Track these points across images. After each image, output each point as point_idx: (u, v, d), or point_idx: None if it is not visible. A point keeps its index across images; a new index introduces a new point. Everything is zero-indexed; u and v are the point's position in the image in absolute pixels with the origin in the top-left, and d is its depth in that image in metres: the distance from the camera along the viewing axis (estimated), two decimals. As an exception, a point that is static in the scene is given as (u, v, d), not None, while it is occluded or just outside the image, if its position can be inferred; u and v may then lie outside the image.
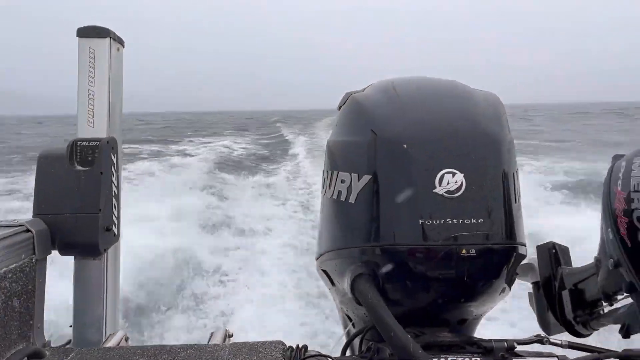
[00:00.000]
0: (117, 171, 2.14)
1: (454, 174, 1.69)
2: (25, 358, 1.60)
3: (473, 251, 1.67)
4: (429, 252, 1.69)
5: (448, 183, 1.69)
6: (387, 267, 1.78)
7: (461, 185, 1.69)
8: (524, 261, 2.22)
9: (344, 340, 2.41)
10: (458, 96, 1.93)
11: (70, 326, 2.07)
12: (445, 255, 1.68)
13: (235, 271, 7.04)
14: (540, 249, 2.39)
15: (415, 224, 1.69)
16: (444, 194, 1.68)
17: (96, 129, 2.11)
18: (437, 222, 1.68)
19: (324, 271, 2.25)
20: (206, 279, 6.83)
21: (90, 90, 2.09)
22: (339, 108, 2.27)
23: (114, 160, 2.12)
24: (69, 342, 2.04)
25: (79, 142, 2.02)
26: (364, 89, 2.10)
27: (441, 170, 1.70)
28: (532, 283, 2.51)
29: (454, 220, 1.68)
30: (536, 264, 2.43)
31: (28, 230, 1.81)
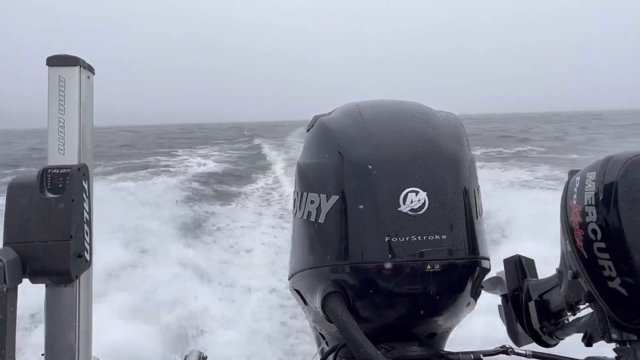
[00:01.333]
0: (88, 197, 2.15)
1: (417, 193, 1.76)
2: None
3: (437, 266, 1.74)
4: (396, 268, 1.75)
5: (412, 201, 1.76)
6: (356, 285, 1.84)
7: (424, 203, 1.76)
8: (492, 274, 2.30)
9: (318, 358, 2.44)
10: (420, 118, 2.02)
11: (42, 354, 2.06)
12: (412, 271, 1.74)
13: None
14: (507, 262, 2.48)
15: (382, 241, 1.75)
16: (409, 212, 1.75)
17: (67, 156, 2.12)
18: (403, 239, 1.74)
19: (297, 291, 2.29)
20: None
21: (60, 118, 2.11)
22: (308, 130, 2.34)
23: (86, 187, 2.13)
24: None
25: (49, 170, 2.03)
26: (331, 113, 2.18)
27: (405, 189, 1.77)
28: (501, 295, 2.60)
29: (419, 237, 1.74)
30: (504, 277, 2.51)
31: None
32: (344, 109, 2.15)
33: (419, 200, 1.76)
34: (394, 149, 1.87)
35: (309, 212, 2.01)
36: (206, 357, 2.19)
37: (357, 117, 2.05)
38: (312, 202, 2.00)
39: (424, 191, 1.77)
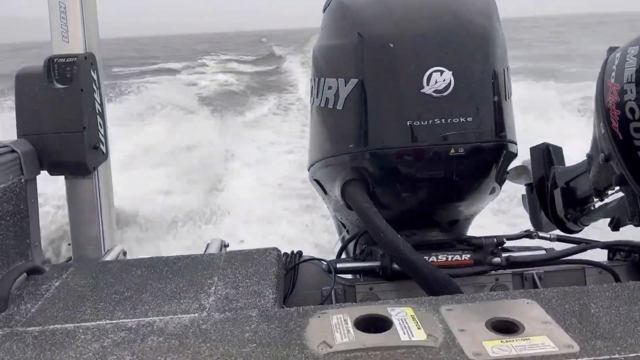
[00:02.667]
0: (98, 88, 2.09)
1: (442, 72, 1.65)
2: (25, 273, 1.64)
3: (462, 150, 1.66)
4: (418, 153, 1.68)
5: (436, 82, 1.64)
6: (376, 172, 1.78)
7: (449, 83, 1.65)
8: (517, 163, 2.23)
9: (339, 246, 2.47)
10: None
11: (69, 244, 2.11)
12: (434, 155, 1.67)
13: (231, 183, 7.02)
14: (534, 149, 2.39)
15: (404, 125, 1.67)
16: (432, 93, 1.65)
17: (72, 45, 2.02)
18: (426, 122, 1.65)
19: (316, 180, 2.26)
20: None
21: (61, 3, 1.99)
22: (324, 10, 2.18)
23: (94, 77, 2.06)
24: (69, 260, 2.09)
25: (55, 59, 1.95)
26: None
27: (429, 68, 1.65)
28: (525, 185, 2.54)
29: (443, 120, 1.65)
30: (529, 166, 2.44)
31: (13, 151, 1.79)
32: None
33: (443, 81, 1.64)
34: (417, 24, 1.73)
35: (327, 99, 1.92)
36: (228, 245, 2.22)
37: None
38: (329, 87, 1.90)
39: (450, 70, 1.64)
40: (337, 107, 1.85)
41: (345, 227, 2.39)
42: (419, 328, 1.23)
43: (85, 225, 2.09)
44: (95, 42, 2.12)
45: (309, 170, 2.37)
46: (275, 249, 1.81)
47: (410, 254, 1.57)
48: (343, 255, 2.22)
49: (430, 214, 1.94)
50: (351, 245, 2.28)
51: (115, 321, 1.37)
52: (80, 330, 1.33)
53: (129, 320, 1.38)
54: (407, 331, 1.22)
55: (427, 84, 1.64)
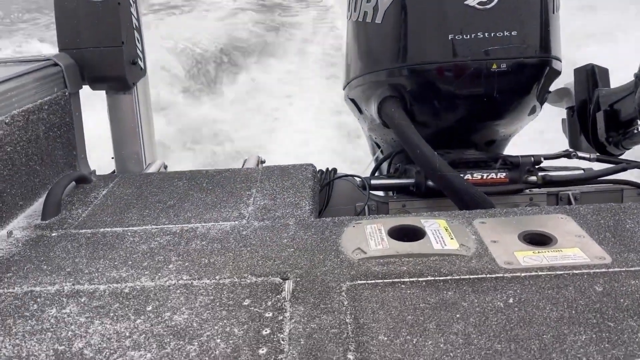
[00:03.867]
0: (135, 2, 2.08)
1: None
2: (74, 182, 1.72)
3: (504, 66, 1.61)
4: (458, 68, 1.64)
5: None
6: (414, 88, 1.76)
7: None
8: (559, 85, 2.15)
9: (373, 165, 2.49)
10: None
11: (112, 158, 2.19)
12: (475, 71, 1.63)
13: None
14: (578, 71, 2.30)
15: (445, 39, 1.62)
16: (476, 5, 1.58)
17: None
18: (468, 36, 1.60)
19: (352, 100, 2.25)
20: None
21: None
22: None
23: None
24: (113, 172, 2.17)
25: None
26: None
27: None
28: (566, 108, 2.46)
29: (485, 34, 1.60)
30: (572, 88, 2.35)
31: (56, 64, 1.83)
32: None
33: None
34: None
35: (365, 13, 1.87)
36: (264, 161, 2.26)
37: None
38: (368, 0, 1.85)
39: None
40: (376, 21, 1.81)
41: (379, 147, 2.39)
42: (451, 238, 1.26)
43: (127, 140, 2.15)
44: None
45: (344, 89, 2.35)
46: (311, 165, 1.84)
47: (446, 171, 1.58)
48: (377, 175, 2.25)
49: (467, 133, 1.93)
50: (384, 166, 2.29)
51: (160, 226, 1.45)
52: (129, 234, 1.41)
53: (173, 225, 1.45)
54: (439, 240, 1.25)
55: None
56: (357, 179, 1.92)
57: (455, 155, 1.80)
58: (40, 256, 1.31)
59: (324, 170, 1.95)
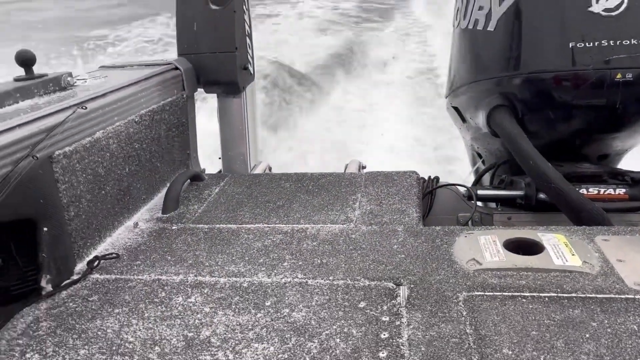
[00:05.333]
0: (247, 10, 2.17)
1: None
2: (189, 180, 1.83)
3: (630, 75, 1.53)
4: (578, 78, 1.57)
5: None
6: (527, 97, 1.71)
7: (622, 1, 1.50)
8: None
9: (472, 176, 2.43)
10: None
11: (219, 158, 2.30)
12: (597, 80, 1.55)
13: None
14: None
15: (564, 47, 1.56)
16: (601, 12, 1.51)
17: None
18: (590, 44, 1.53)
19: (455, 108, 2.21)
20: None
21: None
22: None
23: None
24: (219, 172, 2.28)
25: None
26: None
27: None
28: None
29: (611, 42, 1.52)
30: None
31: (176, 68, 1.95)
32: None
33: None
34: None
35: (476, 20, 1.83)
36: (365, 166, 2.28)
37: None
38: (480, 8, 1.81)
39: None
40: (488, 29, 1.77)
41: (480, 157, 2.34)
42: (573, 254, 1.21)
43: (234, 141, 2.25)
44: None
45: (446, 97, 2.32)
46: (415, 172, 1.83)
47: (561, 184, 1.52)
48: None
49: (581, 145, 1.84)
50: (486, 177, 2.23)
51: (272, 225, 1.50)
52: (243, 230, 1.48)
53: (284, 225, 1.50)
54: (560, 256, 1.20)
55: (596, 2, 1.51)
56: (462, 189, 1.88)
57: (568, 168, 1.72)
58: (164, 247, 1.40)
59: (427, 178, 1.93)
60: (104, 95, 1.50)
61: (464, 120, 2.17)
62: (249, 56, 2.18)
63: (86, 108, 1.35)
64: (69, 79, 1.55)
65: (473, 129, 2.11)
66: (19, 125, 1.17)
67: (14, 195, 1.08)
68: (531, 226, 1.53)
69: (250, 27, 2.18)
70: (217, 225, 1.52)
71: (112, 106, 1.51)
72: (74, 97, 1.42)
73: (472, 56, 1.93)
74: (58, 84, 1.51)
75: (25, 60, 1.45)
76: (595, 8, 1.51)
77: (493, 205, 1.97)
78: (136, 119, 1.63)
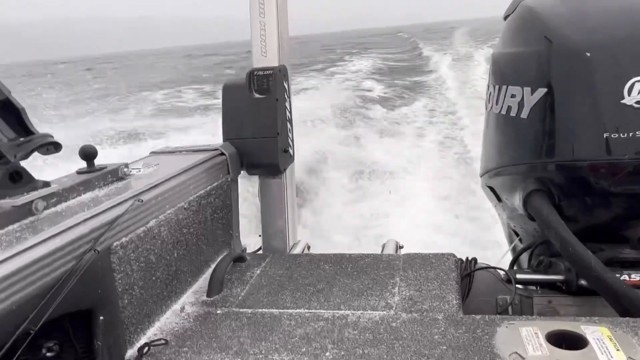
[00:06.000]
0: (289, 97, 2.31)
1: None
2: (232, 261, 1.90)
3: None
4: (614, 167, 1.60)
5: (639, 92, 1.55)
6: (563, 184, 1.74)
7: None
8: None
9: (510, 255, 2.42)
10: None
11: (260, 235, 2.37)
12: (634, 170, 1.58)
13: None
14: None
15: (599, 137, 1.60)
16: (634, 104, 1.56)
17: (269, 58, 2.26)
18: (625, 135, 1.57)
19: (490, 188, 2.25)
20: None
21: (261, 22, 2.23)
22: (505, 18, 2.15)
23: (286, 87, 2.28)
24: (259, 249, 2.35)
25: (255, 72, 2.21)
26: None
27: (631, 78, 1.56)
28: None
29: None
30: None
31: (222, 154, 2.07)
32: None
33: None
34: (617, 31, 1.64)
35: (509, 107, 1.90)
36: (402, 246, 2.31)
37: None
38: (512, 95, 1.88)
39: None
40: (521, 116, 1.83)
41: (518, 236, 2.34)
42: (617, 350, 1.19)
43: (274, 220, 2.33)
44: (287, 54, 2.34)
45: (481, 176, 2.36)
46: (452, 254, 1.85)
47: (602, 272, 1.52)
48: (515, 267, 2.19)
49: (621, 229, 1.83)
50: (524, 256, 2.23)
51: (313, 311, 1.54)
52: (285, 316, 1.51)
53: (325, 311, 1.53)
54: (605, 351, 1.19)
55: (629, 95, 1.56)
56: (501, 272, 1.89)
57: (610, 253, 1.72)
58: (210, 332, 1.45)
59: (464, 259, 1.94)
60: (157, 185, 1.61)
61: (499, 199, 2.20)
62: (289, 139, 2.29)
63: (142, 201, 1.45)
64: (125, 169, 1.67)
65: (509, 209, 2.14)
66: (83, 221, 1.27)
67: (75, 288, 1.16)
68: (574, 316, 1.52)
69: (290, 112, 2.31)
70: (260, 310, 1.56)
71: (165, 195, 1.61)
72: (130, 189, 1.52)
73: (506, 141, 1.99)
74: (116, 175, 1.63)
75: (88, 154, 1.58)
76: (628, 101, 1.56)
77: (532, 287, 1.96)
78: (185, 206, 1.72)
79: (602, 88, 1.60)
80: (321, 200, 6.64)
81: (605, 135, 1.59)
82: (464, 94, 12.30)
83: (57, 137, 1.37)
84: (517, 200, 1.93)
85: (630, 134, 1.56)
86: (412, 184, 6.79)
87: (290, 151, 2.32)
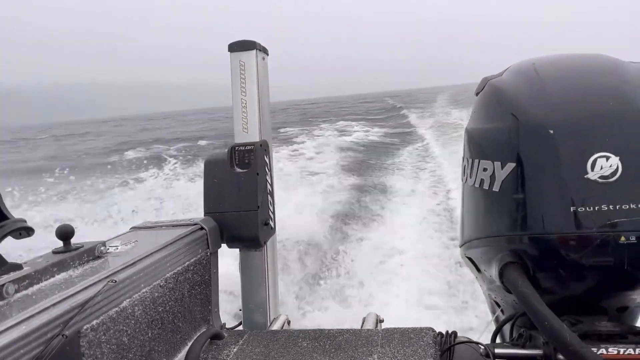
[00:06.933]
0: (270, 170, 2.36)
1: (608, 158, 1.61)
2: (209, 339, 1.87)
3: (633, 238, 1.58)
4: (583, 240, 1.63)
5: (602, 167, 1.61)
6: (537, 256, 1.76)
7: (617, 169, 1.60)
8: None
9: (493, 326, 2.40)
10: (607, 72, 1.81)
11: (240, 310, 2.35)
12: (602, 242, 1.61)
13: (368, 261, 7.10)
14: None
15: (567, 211, 1.64)
16: (598, 179, 1.61)
17: (250, 134, 2.34)
18: (591, 208, 1.61)
19: (469, 258, 2.26)
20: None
21: (243, 99, 2.32)
22: (477, 94, 2.25)
23: (267, 161, 2.34)
24: (239, 324, 2.32)
25: (236, 147, 2.27)
26: (502, 73, 2.06)
27: (593, 154, 1.62)
28: None
29: (610, 207, 1.60)
30: None
31: (202, 228, 2.09)
32: (517, 68, 2.02)
33: (610, 166, 1.60)
34: (578, 108, 1.72)
35: (482, 180, 1.95)
36: (383, 320, 2.29)
37: (532, 75, 1.91)
38: (484, 169, 1.94)
39: (617, 156, 1.60)
40: (494, 189, 1.88)
41: (499, 307, 2.33)
42: None
43: (254, 294, 2.32)
44: (268, 129, 2.42)
45: (461, 247, 2.38)
46: (431, 329, 1.84)
47: (578, 346, 1.51)
48: (498, 338, 2.17)
49: (597, 300, 1.84)
50: (506, 327, 2.21)
51: None
52: None
53: None
54: None
55: (592, 170, 1.61)
56: (480, 347, 1.87)
57: (586, 326, 1.71)
58: None
59: (444, 333, 1.93)
60: (133, 264, 1.61)
61: (479, 270, 2.21)
62: (270, 212, 2.32)
63: (116, 281, 1.45)
64: (102, 248, 1.68)
65: (488, 280, 2.14)
66: (53, 305, 1.26)
67: None
68: None
69: (272, 185, 2.35)
70: None
71: (140, 274, 1.62)
72: (105, 269, 1.53)
73: (481, 213, 2.02)
74: (92, 254, 1.63)
75: (64, 233, 1.59)
76: (591, 175, 1.61)
77: None
78: (161, 283, 1.72)
79: (566, 163, 1.65)
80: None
81: (572, 208, 1.63)
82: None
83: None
84: (494, 272, 1.94)
85: (596, 208, 1.60)
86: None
87: (272, 224, 2.34)
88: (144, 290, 1.61)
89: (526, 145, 1.77)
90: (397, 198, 10.46)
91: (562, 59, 1.99)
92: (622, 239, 1.58)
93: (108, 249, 1.73)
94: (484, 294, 2.55)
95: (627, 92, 1.73)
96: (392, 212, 9.30)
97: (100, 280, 1.44)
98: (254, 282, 2.32)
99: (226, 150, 2.27)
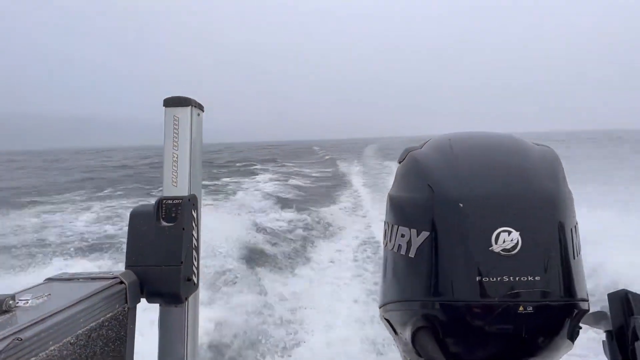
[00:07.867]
0: (197, 225, 2.36)
1: (509, 233, 1.75)
2: None
3: (530, 308, 1.71)
4: (487, 308, 1.74)
5: (504, 241, 1.75)
6: (446, 322, 1.86)
7: (517, 243, 1.75)
8: (596, 309, 2.20)
9: None
10: (513, 152, 1.99)
11: None
12: (503, 311, 1.72)
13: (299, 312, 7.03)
14: (612, 297, 2.35)
15: (473, 280, 1.76)
16: (500, 252, 1.74)
17: (179, 188, 2.35)
18: (494, 279, 1.74)
19: (387, 320, 2.34)
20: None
21: (174, 154, 2.34)
22: (399, 162, 2.39)
23: (195, 216, 2.34)
24: None
25: (164, 201, 2.27)
26: (422, 145, 2.21)
27: (497, 228, 1.76)
28: (605, 331, 2.46)
29: (511, 278, 1.73)
30: (609, 312, 2.38)
31: (122, 282, 2.05)
32: (435, 143, 2.18)
33: (511, 240, 1.74)
34: (484, 186, 1.87)
35: (399, 245, 2.05)
36: None
37: (447, 151, 2.07)
38: (402, 235, 2.05)
39: (517, 231, 1.75)
40: (410, 255, 1.98)
41: None
42: None
43: (173, 351, 2.27)
44: (198, 183, 2.44)
45: (380, 308, 2.46)
46: None
47: None
48: None
49: None
50: None
51: None
52: None
53: None
54: None
55: (495, 243, 1.75)
56: None
57: None
58: None
59: None
60: (42, 320, 1.56)
61: (395, 332, 2.28)
62: (194, 267, 2.31)
63: (21, 340, 1.40)
64: (10, 302, 1.61)
65: (403, 342, 2.21)
66: None
67: None
68: None
69: (197, 241, 2.36)
70: None
71: (49, 331, 1.56)
72: (12, 324, 1.47)
73: (398, 277, 2.11)
74: None
75: None
76: (495, 248, 1.75)
77: None
78: (72, 340, 1.66)
79: (473, 236, 1.79)
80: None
81: (477, 278, 1.75)
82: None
83: None
84: (408, 336, 2.02)
85: (498, 278, 1.73)
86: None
87: (195, 279, 2.33)
88: (52, 348, 1.55)
89: (439, 216, 1.89)
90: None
91: (475, 137, 2.17)
92: (521, 308, 1.71)
93: (17, 302, 1.66)
94: (400, 355, 2.61)
95: (529, 172, 1.91)
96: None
97: (5, 338, 1.38)
98: (172, 339, 2.27)
99: (153, 202, 2.27)
